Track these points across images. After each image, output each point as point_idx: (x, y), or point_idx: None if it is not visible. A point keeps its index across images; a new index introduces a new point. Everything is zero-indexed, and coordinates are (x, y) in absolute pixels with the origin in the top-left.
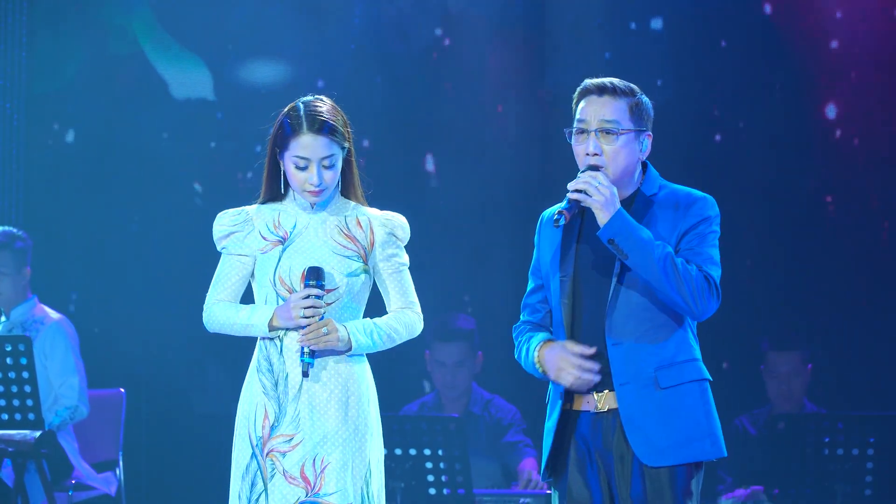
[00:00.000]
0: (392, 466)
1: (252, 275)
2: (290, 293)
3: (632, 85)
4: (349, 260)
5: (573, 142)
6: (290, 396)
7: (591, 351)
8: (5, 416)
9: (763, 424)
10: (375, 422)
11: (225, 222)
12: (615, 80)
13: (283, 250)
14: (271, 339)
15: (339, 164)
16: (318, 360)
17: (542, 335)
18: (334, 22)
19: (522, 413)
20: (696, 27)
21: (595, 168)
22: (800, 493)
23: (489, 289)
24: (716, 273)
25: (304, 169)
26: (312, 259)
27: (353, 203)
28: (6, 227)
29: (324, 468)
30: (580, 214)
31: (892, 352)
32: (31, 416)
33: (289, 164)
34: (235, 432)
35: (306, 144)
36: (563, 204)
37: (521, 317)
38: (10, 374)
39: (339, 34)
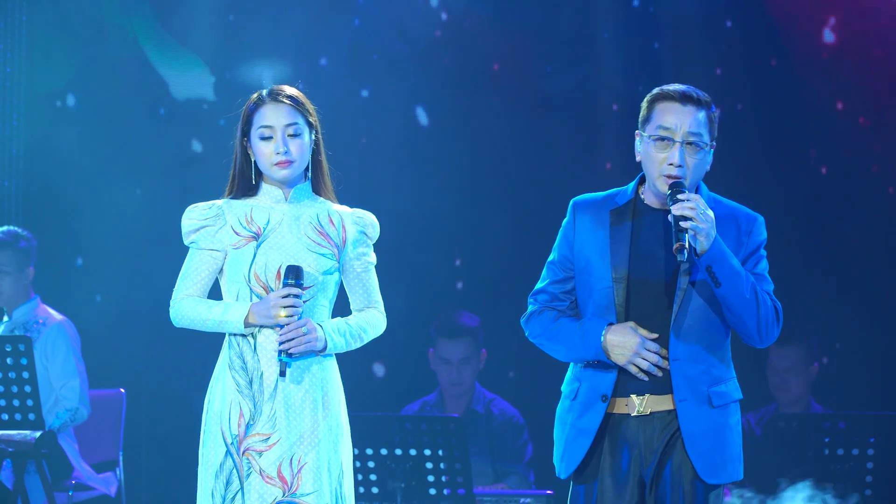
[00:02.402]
0: (392, 466)
1: (221, 270)
2: (266, 290)
3: (707, 96)
4: (324, 258)
5: (651, 147)
6: (266, 395)
7: (656, 336)
8: (5, 417)
9: (765, 425)
10: (346, 422)
11: (195, 216)
12: (696, 90)
13: (258, 246)
14: (244, 336)
15: (307, 140)
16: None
17: (599, 319)
18: (334, 21)
19: (522, 412)
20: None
21: (675, 179)
22: (800, 494)
23: (490, 287)
24: (777, 299)
25: (269, 139)
26: (288, 255)
27: (322, 199)
28: (11, 227)
29: (300, 468)
30: (631, 213)
31: (892, 351)
32: (31, 416)
33: (255, 142)
34: (204, 430)
35: (268, 113)
36: (679, 234)
37: (532, 304)
38: (10, 375)
39: (339, 33)
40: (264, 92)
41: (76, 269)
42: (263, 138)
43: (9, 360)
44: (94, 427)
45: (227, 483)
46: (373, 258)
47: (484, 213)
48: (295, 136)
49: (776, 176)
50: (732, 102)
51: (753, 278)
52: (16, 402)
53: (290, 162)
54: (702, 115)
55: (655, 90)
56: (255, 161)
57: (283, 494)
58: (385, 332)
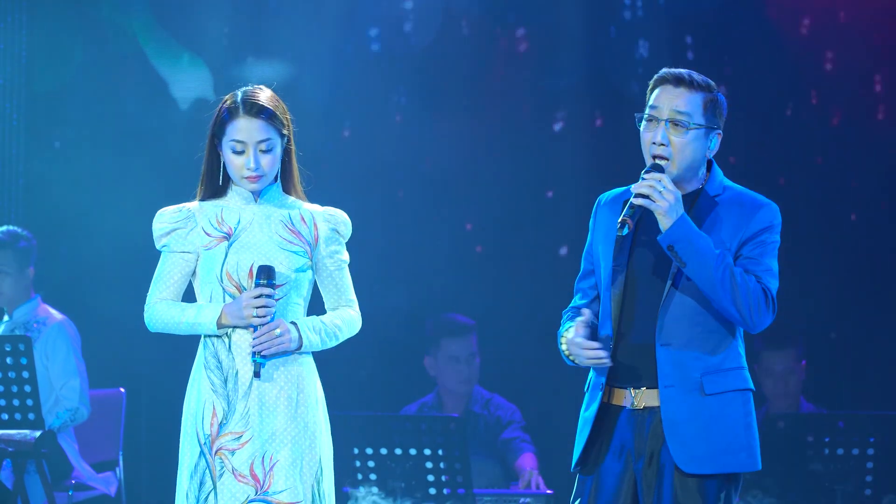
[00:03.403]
0: (392, 466)
1: (193, 273)
2: (238, 289)
3: (710, 80)
4: (296, 255)
5: (642, 129)
6: (240, 394)
7: (583, 318)
8: (5, 416)
9: (760, 424)
10: (324, 421)
11: (165, 220)
12: (693, 73)
13: (229, 246)
14: (218, 335)
15: (278, 151)
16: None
17: (569, 323)
18: (334, 20)
19: (522, 411)
20: None
21: (660, 159)
22: (800, 494)
23: (489, 290)
24: (774, 285)
25: (240, 153)
26: (260, 254)
27: (292, 198)
28: (11, 227)
29: (272, 466)
30: (640, 205)
31: (891, 351)
32: (31, 416)
33: (226, 151)
34: (182, 431)
35: (242, 128)
36: (626, 210)
37: (572, 300)
38: (10, 374)
39: (339, 32)
40: (238, 98)
41: (76, 268)
42: (235, 152)
43: (9, 360)
44: (94, 427)
45: (201, 483)
46: (345, 256)
47: (483, 213)
48: (266, 151)
49: (773, 177)
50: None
51: (731, 259)
52: (16, 402)
53: (260, 177)
54: (696, 97)
55: (656, 75)
56: (224, 163)
57: (256, 493)
58: (384, 333)
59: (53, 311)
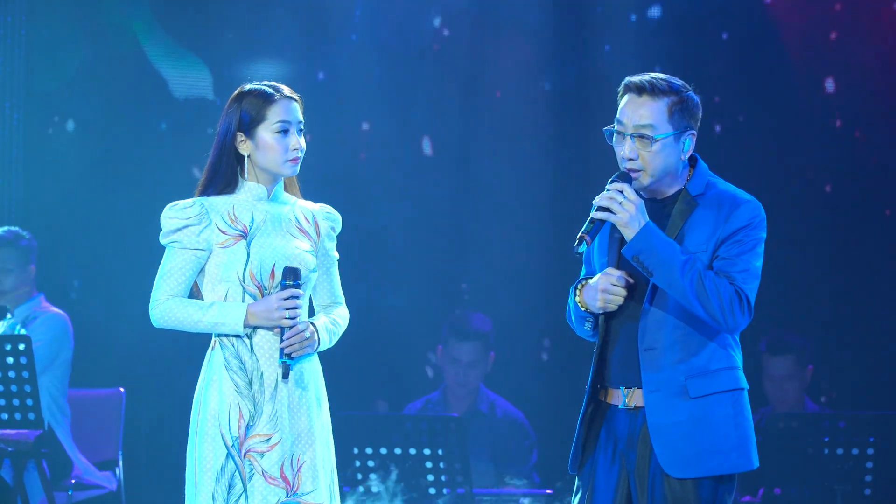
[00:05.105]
0: (392, 466)
1: (201, 270)
2: (260, 290)
3: (676, 81)
4: (311, 255)
5: (614, 143)
6: (267, 395)
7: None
8: (5, 416)
9: (764, 425)
10: (329, 420)
11: (177, 214)
12: (657, 78)
13: (248, 245)
14: (238, 336)
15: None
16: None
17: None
18: (334, 18)
19: (524, 413)
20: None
21: (630, 172)
22: (800, 493)
23: (491, 289)
24: (750, 286)
25: (286, 134)
26: (280, 254)
27: (289, 196)
28: (12, 227)
29: (299, 467)
30: (601, 218)
31: (892, 351)
32: (30, 415)
33: (268, 136)
34: (200, 431)
35: (286, 108)
36: (585, 225)
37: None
38: (9, 374)
39: (340, 30)
40: (269, 89)
41: (76, 268)
42: (280, 132)
43: (9, 360)
44: (94, 427)
45: (230, 486)
46: (336, 254)
47: (486, 213)
48: (303, 132)
49: (776, 182)
50: (734, 113)
51: (700, 264)
52: (15, 402)
53: (300, 159)
54: (659, 104)
55: (623, 82)
56: (248, 156)
57: (287, 495)
58: (388, 330)
59: (55, 309)
